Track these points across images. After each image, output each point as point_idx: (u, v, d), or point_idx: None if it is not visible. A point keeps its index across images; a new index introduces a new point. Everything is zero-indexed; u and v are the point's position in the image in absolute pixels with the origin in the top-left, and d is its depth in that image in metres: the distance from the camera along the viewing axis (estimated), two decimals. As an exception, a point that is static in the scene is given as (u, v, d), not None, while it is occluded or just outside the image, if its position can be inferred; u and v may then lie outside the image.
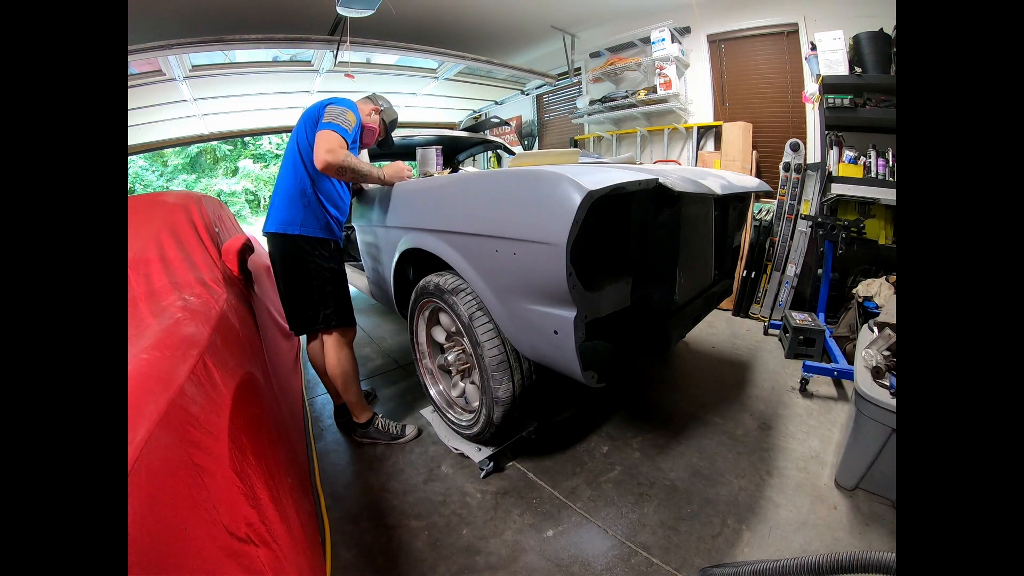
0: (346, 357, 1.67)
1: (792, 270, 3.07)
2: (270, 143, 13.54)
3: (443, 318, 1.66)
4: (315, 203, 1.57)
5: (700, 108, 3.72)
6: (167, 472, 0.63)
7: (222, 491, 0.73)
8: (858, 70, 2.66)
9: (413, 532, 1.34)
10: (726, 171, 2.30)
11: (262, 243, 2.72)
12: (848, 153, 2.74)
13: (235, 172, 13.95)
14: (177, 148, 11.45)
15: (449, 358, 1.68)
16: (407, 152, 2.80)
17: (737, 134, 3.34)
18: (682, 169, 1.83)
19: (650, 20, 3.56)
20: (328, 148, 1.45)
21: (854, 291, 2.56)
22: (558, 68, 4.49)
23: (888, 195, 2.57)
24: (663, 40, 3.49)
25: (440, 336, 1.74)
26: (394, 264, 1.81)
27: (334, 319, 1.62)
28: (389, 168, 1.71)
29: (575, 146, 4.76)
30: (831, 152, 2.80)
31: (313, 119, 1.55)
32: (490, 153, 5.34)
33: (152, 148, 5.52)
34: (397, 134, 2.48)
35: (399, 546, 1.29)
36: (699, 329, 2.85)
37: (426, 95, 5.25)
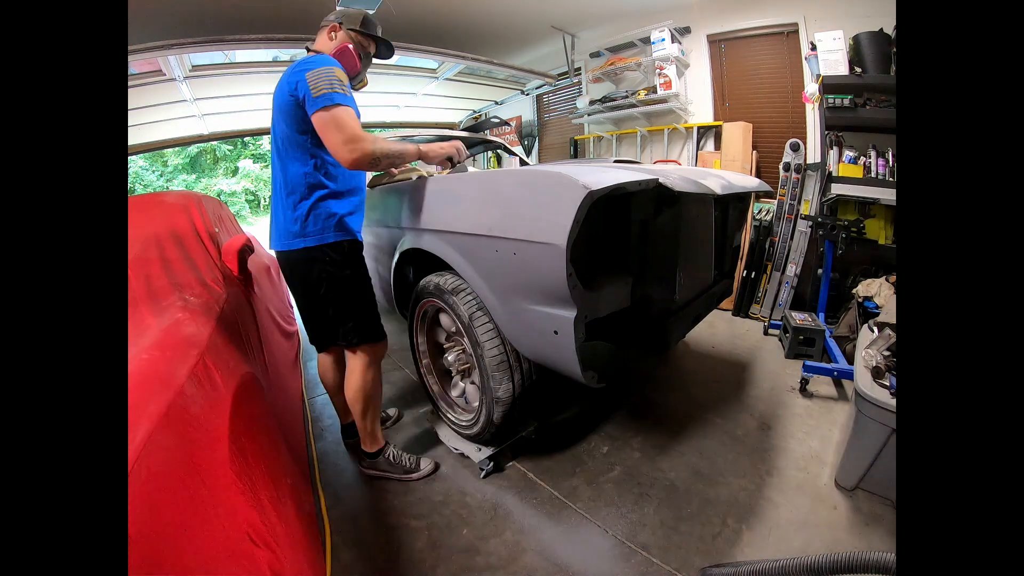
0: (371, 380, 1.44)
1: (792, 270, 3.07)
2: (270, 143, 13.54)
3: (443, 318, 1.66)
4: (310, 204, 1.29)
5: (700, 108, 3.72)
6: (167, 472, 0.63)
7: (222, 491, 0.73)
8: (858, 70, 2.65)
9: (413, 532, 1.34)
10: (726, 171, 2.30)
11: (262, 243, 2.72)
12: (848, 153, 2.74)
13: (235, 172, 13.96)
14: (177, 148, 11.46)
15: (449, 358, 1.68)
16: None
17: (737, 134, 3.33)
18: (682, 169, 1.83)
19: (650, 20, 3.56)
20: (346, 138, 1.16)
21: (854, 291, 2.56)
22: (558, 68, 4.49)
23: (888, 195, 2.57)
24: (663, 40, 3.49)
25: (440, 336, 1.74)
26: (394, 264, 1.81)
27: (355, 335, 1.37)
28: (433, 146, 1.45)
29: (575, 146, 4.76)
30: (831, 152, 2.80)
31: (290, 103, 1.21)
32: (490, 153, 5.35)
33: (152, 148, 5.53)
34: (400, 134, 2.41)
35: (399, 546, 1.29)
36: (699, 329, 2.85)
37: (426, 95, 5.25)
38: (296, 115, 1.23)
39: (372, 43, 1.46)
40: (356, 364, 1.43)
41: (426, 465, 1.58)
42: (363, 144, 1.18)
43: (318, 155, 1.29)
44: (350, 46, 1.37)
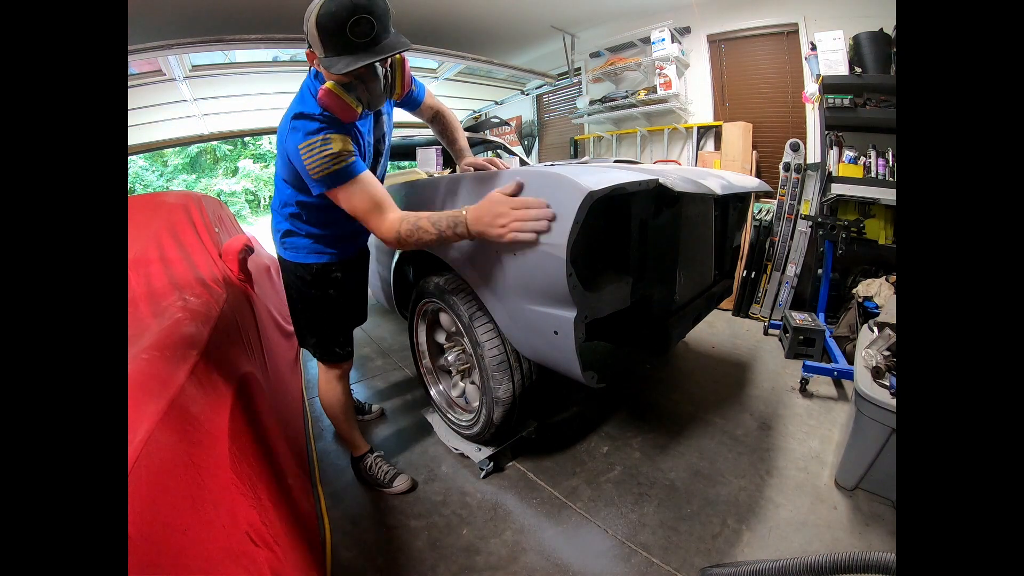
0: (334, 391, 1.48)
1: (792, 270, 3.07)
2: (270, 143, 13.54)
3: (443, 318, 1.66)
4: (286, 227, 1.32)
5: (700, 108, 3.72)
6: (167, 472, 0.64)
7: (222, 491, 0.73)
8: (858, 70, 2.65)
9: (413, 532, 1.34)
10: (726, 171, 2.30)
11: (262, 243, 2.73)
12: (848, 153, 2.74)
13: (235, 172, 13.96)
14: (177, 148, 11.45)
15: (449, 358, 1.68)
16: (407, 152, 2.80)
17: (737, 134, 3.33)
18: (682, 169, 1.83)
19: (650, 20, 3.56)
20: (377, 235, 1.13)
21: (854, 291, 2.56)
22: (558, 68, 4.49)
23: (888, 195, 2.57)
24: (663, 40, 3.49)
25: (440, 336, 1.74)
26: (394, 264, 1.81)
27: (316, 350, 1.45)
28: (474, 211, 1.09)
29: (575, 146, 4.76)
30: (831, 152, 2.80)
31: (282, 154, 1.16)
32: (489, 153, 5.35)
33: (152, 148, 5.52)
34: (398, 134, 2.37)
35: (399, 546, 1.29)
36: (699, 329, 2.85)
37: (426, 95, 5.24)
38: (284, 161, 1.18)
39: (356, 66, 0.97)
40: (320, 375, 1.50)
41: (400, 483, 1.50)
42: (388, 245, 1.15)
43: (296, 198, 1.25)
44: (328, 93, 1.03)
